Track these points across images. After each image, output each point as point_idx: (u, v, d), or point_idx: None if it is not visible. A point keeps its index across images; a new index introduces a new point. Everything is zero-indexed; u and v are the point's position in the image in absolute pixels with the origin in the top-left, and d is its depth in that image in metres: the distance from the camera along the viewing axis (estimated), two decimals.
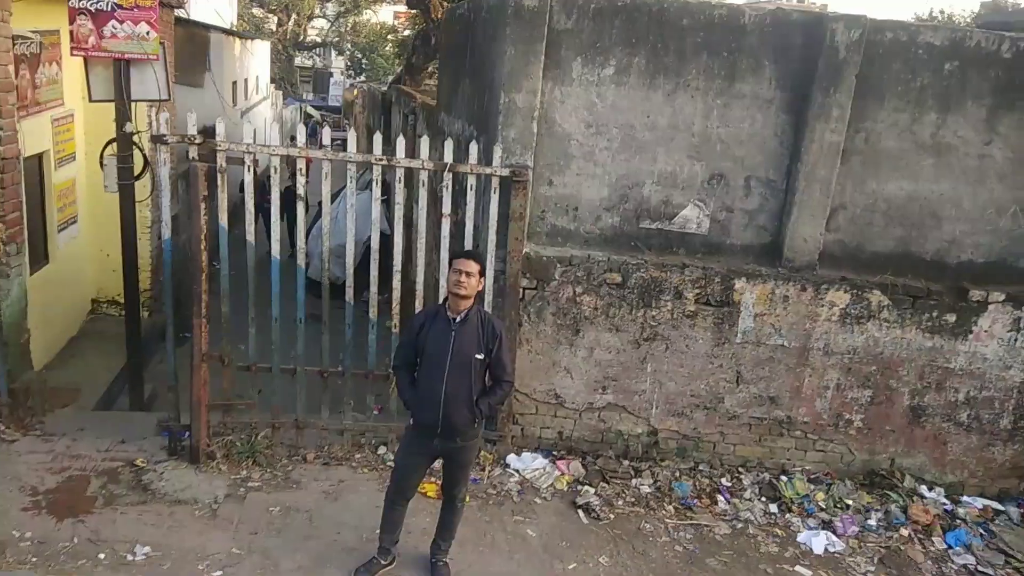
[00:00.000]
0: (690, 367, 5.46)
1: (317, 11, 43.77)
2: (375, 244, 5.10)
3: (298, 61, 45.28)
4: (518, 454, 5.48)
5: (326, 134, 5.10)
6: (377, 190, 5.10)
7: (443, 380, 3.99)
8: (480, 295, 4.37)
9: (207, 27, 15.39)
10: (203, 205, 4.83)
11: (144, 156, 7.66)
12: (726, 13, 5.03)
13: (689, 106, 5.18)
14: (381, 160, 5.01)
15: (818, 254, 5.32)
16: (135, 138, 7.06)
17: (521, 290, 5.23)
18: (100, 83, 6.89)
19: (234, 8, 32.71)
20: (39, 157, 7.85)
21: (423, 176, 5.07)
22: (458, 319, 4.04)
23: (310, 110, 39.27)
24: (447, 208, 5.12)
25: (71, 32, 6.48)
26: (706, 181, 5.29)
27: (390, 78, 27.06)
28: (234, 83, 17.37)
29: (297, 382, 5.33)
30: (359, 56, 45.95)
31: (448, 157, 5.05)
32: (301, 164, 4.99)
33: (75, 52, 6.60)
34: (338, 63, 49.55)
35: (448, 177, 5.06)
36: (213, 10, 20.78)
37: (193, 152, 4.86)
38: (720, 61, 5.09)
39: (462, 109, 6.57)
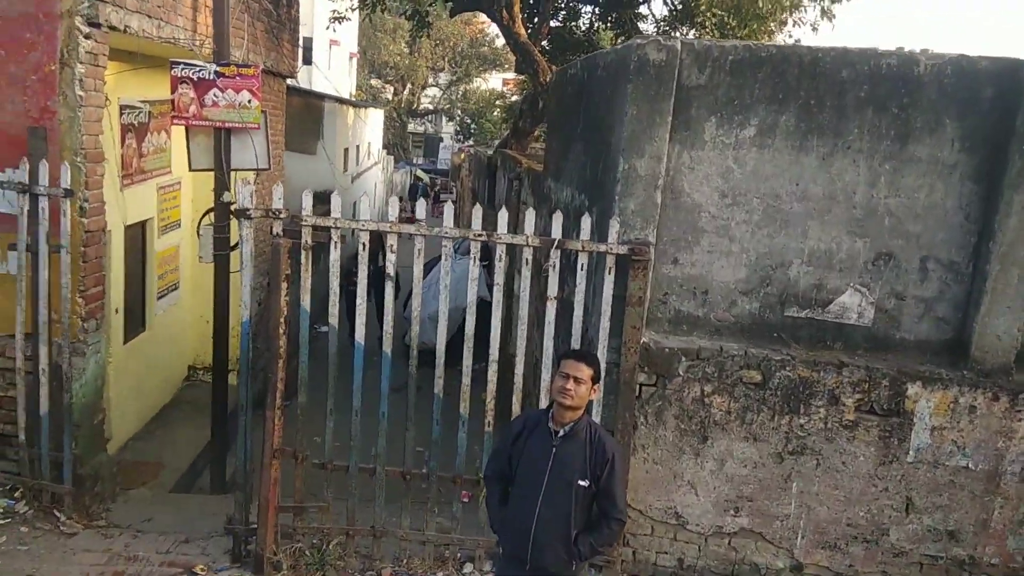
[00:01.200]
0: (847, 489, 4.42)
1: (430, 80, 45.51)
2: (471, 304, 4.46)
3: (411, 127, 46.99)
4: None
5: (420, 207, 4.55)
6: (475, 269, 4.47)
7: (536, 506, 3.28)
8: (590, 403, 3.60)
9: (321, 96, 15.75)
10: (284, 285, 4.34)
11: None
12: (896, 62, 4.17)
13: (850, 172, 4.30)
14: (480, 236, 4.39)
15: (1014, 355, 4.24)
16: (233, 208, 6.85)
17: (638, 387, 4.41)
18: (201, 152, 6.73)
19: (353, 79, 34.27)
20: (143, 224, 7.82)
21: (527, 253, 4.40)
22: (561, 432, 3.31)
23: (420, 173, 40.35)
24: (553, 289, 4.42)
25: (173, 101, 6.35)
26: (870, 262, 4.36)
27: (496, 142, 27.22)
28: (346, 150, 17.68)
29: (376, 483, 4.68)
30: (468, 121, 47.30)
31: (556, 232, 4.37)
32: (392, 240, 4.43)
33: (175, 121, 6.46)
34: (448, 128, 51.19)
35: (556, 254, 4.37)
36: (329, 82, 21.52)
37: (277, 227, 4.41)
38: (889, 119, 4.21)
39: (572, 176, 5.92)
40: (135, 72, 6.86)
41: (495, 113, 46.06)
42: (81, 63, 4.83)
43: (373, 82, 44.84)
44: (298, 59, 11.10)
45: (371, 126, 22.88)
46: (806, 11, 12.01)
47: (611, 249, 4.28)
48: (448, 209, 4.54)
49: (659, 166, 4.32)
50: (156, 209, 7.93)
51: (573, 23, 16.65)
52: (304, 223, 4.39)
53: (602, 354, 4.38)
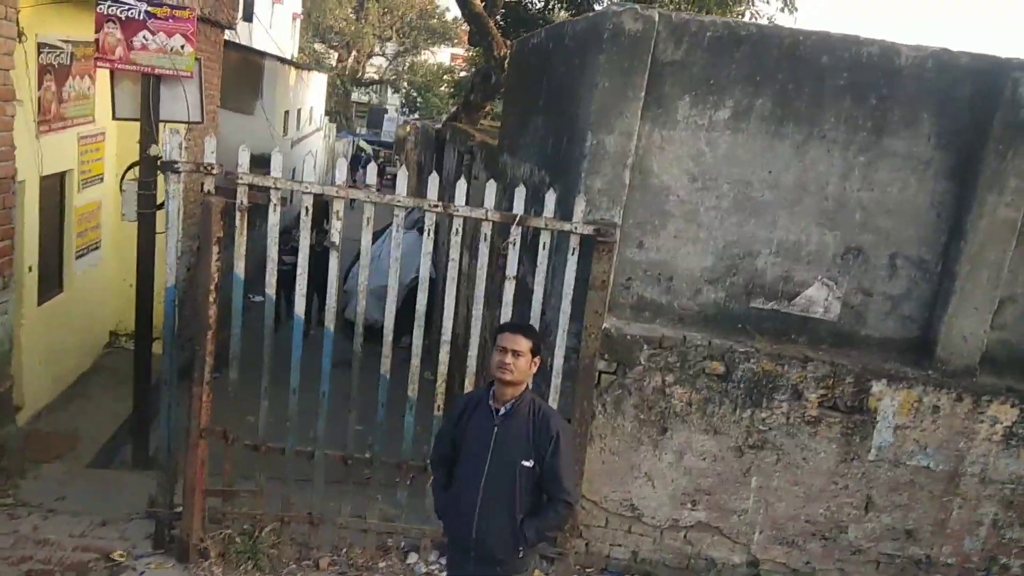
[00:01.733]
0: (807, 486, 4.33)
1: (377, 49, 44.39)
2: (423, 280, 4.15)
3: (355, 96, 45.82)
4: None
5: (371, 171, 4.20)
6: (429, 243, 4.15)
7: (479, 489, 3.09)
8: (547, 380, 3.37)
9: (262, 54, 14.97)
10: (215, 249, 3.93)
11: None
12: (877, 51, 4.02)
13: (823, 162, 4.15)
14: (436, 207, 4.07)
15: (979, 356, 4.19)
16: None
17: (597, 374, 4.20)
18: (126, 99, 6.15)
19: (295, 41, 33.00)
20: (61, 177, 7.17)
21: (486, 229, 4.10)
22: (503, 411, 3.11)
23: (363, 144, 39.40)
24: (512, 268, 4.14)
25: (97, 41, 5.76)
26: (839, 255, 4.23)
27: (444, 116, 26.67)
28: (287, 112, 16.93)
29: (315, 467, 4.35)
30: (414, 94, 46.48)
31: (518, 207, 4.09)
32: (338, 206, 4.07)
33: (99, 63, 5.88)
34: (393, 100, 50.22)
35: (516, 231, 4.09)
36: (272, 41, 20.56)
37: (208, 184, 3.99)
38: (866, 109, 4.06)
39: (531, 151, 5.64)
40: (57, 7, 6.21)
41: (443, 88, 45.34)
42: None
43: (317, 46, 43.44)
44: (238, 10, 10.44)
45: (314, 91, 22.04)
46: (768, 1, 11.91)
47: (576, 229, 4.03)
48: (401, 176, 4.20)
49: (629, 143, 4.09)
50: (76, 161, 7.28)
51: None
52: (240, 181, 3.99)
53: (561, 339, 4.15)
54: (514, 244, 4.10)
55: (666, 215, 4.23)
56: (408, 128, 31.36)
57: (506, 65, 12.92)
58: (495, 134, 10.89)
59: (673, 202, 4.21)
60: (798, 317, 4.31)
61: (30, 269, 6.53)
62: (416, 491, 4.42)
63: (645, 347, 4.20)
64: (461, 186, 4.14)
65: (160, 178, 6.28)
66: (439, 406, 4.28)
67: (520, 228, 4.09)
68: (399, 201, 4.07)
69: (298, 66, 19.41)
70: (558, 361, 4.18)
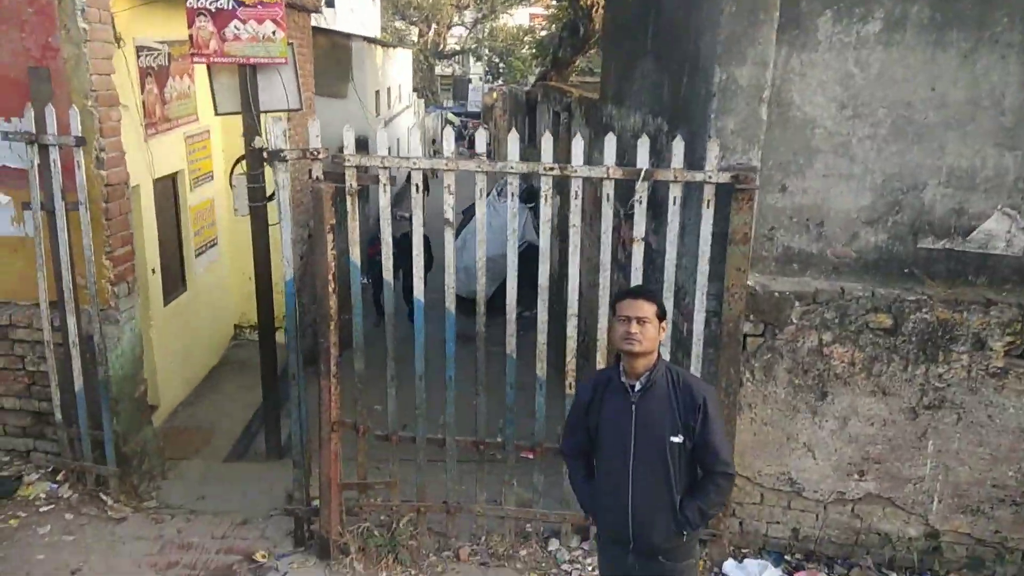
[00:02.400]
0: (993, 446, 3.79)
1: (455, 19, 44.17)
2: (544, 251, 3.84)
3: (438, 70, 45.91)
4: (738, 558, 4.03)
5: (480, 138, 3.91)
6: (547, 209, 3.83)
7: (628, 476, 2.79)
8: (686, 349, 3.00)
9: (348, 36, 14.96)
10: (331, 237, 3.77)
11: None
12: None
13: (997, 71, 3.54)
14: (552, 170, 3.74)
15: None
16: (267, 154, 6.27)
17: (743, 338, 3.79)
18: (226, 93, 6.11)
19: (377, 21, 33.20)
20: (173, 178, 7.31)
21: (608, 188, 3.74)
22: (638, 386, 2.78)
23: (450, 116, 39.47)
24: (640, 229, 3.77)
25: (191, 37, 5.72)
26: (1022, 179, 3.62)
27: (530, 78, 26.12)
28: (377, 93, 16.95)
29: (447, 455, 4.18)
30: (496, 60, 46.11)
31: (642, 161, 3.70)
32: (450, 180, 3.81)
33: (195, 59, 5.84)
34: (476, 69, 50.03)
35: (643, 188, 3.70)
36: (358, 22, 20.63)
37: (316, 170, 3.82)
38: None
39: (642, 99, 5.20)
40: (149, 9, 6.23)
41: (524, 50, 44.64)
42: None
43: (397, 24, 43.64)
44: None
45: (401, 68, 22.03)
46: None
47: (709, 178, 3.60)
48: (513, 141, 3.88)
49: (764, 74, 3.60)
50: (186, 160, 7.40)
51: None
52: (348, 163, 3.79)
53: (700, 302, 3.76)
54: (640, 202, 3.72)
55: (812, 151, 3.73)
56: (495, 95, 31.04)
57: (595, 14, 12.34)
58: (592, 88, 10.40)
59: (820, 135, 3.71)
60: (976, 255, 3.74)
61: (153, 271, 6.69)
62: (552, 474, 4.18)
63: (796, 304, 3.75)
64: (578, 142, 3.78)
65: (268, 171, 6.32)
66: (570, 384, 3.99)
67: (647, 183, 3.70)
68: (512, 168, 3.77)
69: (384, 45, 19.38)
70: (698, 326, 3.79)
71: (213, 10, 5.64)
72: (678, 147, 3.66)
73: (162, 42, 6.68)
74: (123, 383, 4.67)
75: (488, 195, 3.85)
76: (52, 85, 4.23)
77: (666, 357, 3.70)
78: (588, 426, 2.91)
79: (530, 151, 13.60)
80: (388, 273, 3.98)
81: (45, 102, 4.17)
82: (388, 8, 39.96)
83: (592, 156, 5.91)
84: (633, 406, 2.78)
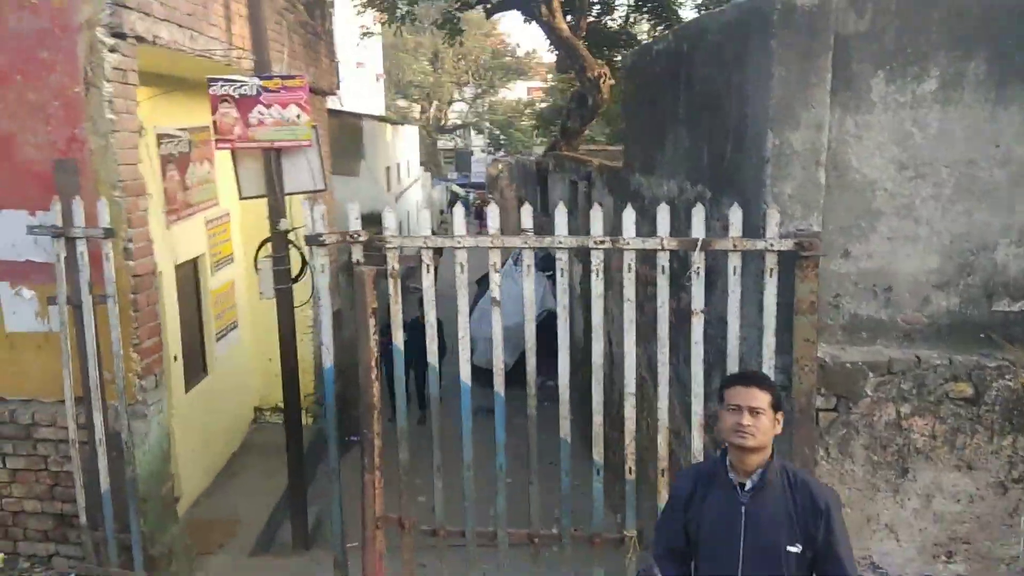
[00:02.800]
0: None
1: (456, 95, 45.39)
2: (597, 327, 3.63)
3: (440, 143, 46.91)
4: None
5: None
6: (598, 284, 3.65)
7: None
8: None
9: (359, 116, 15.18)
10: (372, 322, 3.59)
11: (302, 256, 6.77)
12: None
13: None
14: (603, 243, 3.59)
15: None
16: (291, 236, 6.18)
17: (815, 413, 3.56)
18: (250, 178, 6.05)
19: (382, 100, 33.99)
20: (194, 262, 7.20)
21: (663, 260, 3.58)
22: (749, 484, 2.50)
23: (455, 188, 39.96)
24: (700, 301, 3.59)
25: (214, 123, 5.68)
26: None
27: (536, 149, 26.47)
28: (388, 168, 17.10)
29: (498, 549, 3.89)
30: (497, 132, 47.21)
31: (697, 230, 3.54)
32: (495, 257, 3.65)
33: (220, 146, 5.79)
34: (477, 141, 51.19)
35: (700, 257, 3.54)
36: (363, 102, 21.04)
37: (357, 253, 3.67)
38: None
39: (675, 166, 5.10)
40: (169, 97, 6.23)
41: (523, 121, 45.72)
42: (108, 81, 4.17)
43: (399, 102, 44.79)
44: (337, 75, 10.49)
45: (408, 144, 22.35)
46: None
47: (771, 246, 3.44)
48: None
49: (820, 137, 3.48)
50: (207, 244, 7.31)
51: (608, 17, 15.93)
52: (389, 245, 3.64)
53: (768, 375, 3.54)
54: (698, 273, 3.55)
55: (874, 214, 3.57)
56: (499, 166, 31.39)
57: (603, 85, 12.47)
58: (607, 156, 10.40)
59: (881, 197, 3.56)
60: None
61: (175, 358, 6.50)
62: (613, 568, 3.88)
63: (870, 375, 3.53)
64: (629, 215, 3.63)
65: (293, 251, 6.22)
66: (630, 468, 3.74)
67: (703, 253, 3.54)
68: (560, 242, 3.61)
69: (393, 122, 19.70)
70: None
71: (237, 96, 5.62)
72: (735, 215, 3.51)
73: (182, 129, 6.67)
74: (150, 480, 4.43)
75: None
76: (79, 177, 4.14)
77: None
78: (686, 525, 2.62)
79: (544, 221, 13.57)
80: (433, 356, 3.78)
81: (72, 194, 4.07)
82: (391, 88, 41.06)
83: (615, 225, 5.80)
84: (743, 508, 2.50)
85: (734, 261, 3.52)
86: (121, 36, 4.14)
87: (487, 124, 47.64)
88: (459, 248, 3.66)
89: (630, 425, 3.74)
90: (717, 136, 4.23)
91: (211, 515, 6.68)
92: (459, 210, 3.81)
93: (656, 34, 15.39)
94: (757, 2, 3.68)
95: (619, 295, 3.71)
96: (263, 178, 5.93)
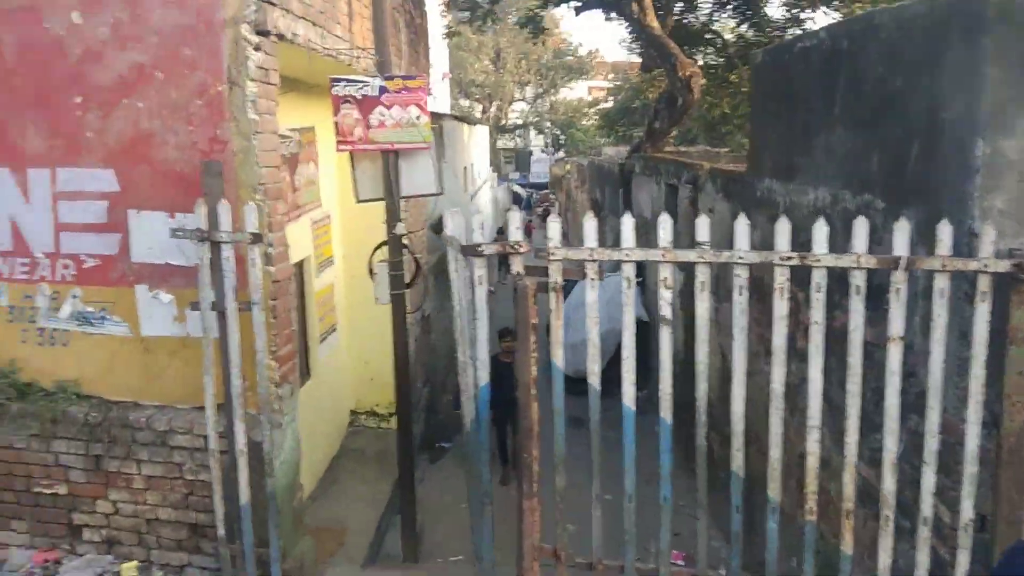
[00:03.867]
0: None
1: (517, 95, 45.36)
2: (778, 349, 3.35)
3: (500, 143, 46.98)
4: None
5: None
6: (781, 305, 3.37)
7: None
8: (945, 469, 2.42)
9: (440, 115, 15.08)
10: (533, 338, 3.38)
11: (416, 260, 6.64)
12: None
13: None
14: (791, 259, 3.30)
15: None
16: (405, 240, 6.04)
17: None
18: (367, 181, 5.91)
19: (447, 99, 34.10)
20: (300, 265, 7.15)
21: (858, 280, 3.27)
22: None
23: (516, 188, 39.86)
24: (899, 327, 3.26)
25: (336, 124, 5.56)
26: None
27: (605, 149, 26.08)
28: (464, 168, 17.00)
29: None
30: (557, 132, 47.03)
31: (899, 247, 3.22)
32: (666, 272, 3.39)
33: (341, 147, 5.67)
34: (536, 141, 51.07)
35: (902, 278, 3.22)
36: (434, 99, 21.02)
37: (517, 264, 3.46)
38: None
39: (828, 171, 4.76)
40: (281, 98, 6.16)
41: (585, 121, 45.42)
42: (252, 80, 4.06)
43: (462, 102, 44.94)
44: (430, 75, 10.38)
45: (480, 144, 22.26)
46: None
47: (985, 267, 3.10)
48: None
49: None
50: (312, 246, 7.25)
51: (691, 15, 15.49)
52: (553, 256, 3.43)
53: (975, 413, 3.20)
54: (898, 292, 3.23)
55: None
56: (567, 166, 31.10)
57: (693, 84, 12.08)
58: (703, 158, 10.02)
59: None
60: None
61: None
62: None
63: None
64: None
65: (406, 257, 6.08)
66: (811, 509, 3.44)
67: (906, 273, 3.21)
68: (741, 257, 3.34)
69: (469, 122, 19.61)
70: (971, 443, 3.22)
71: (359, 97, 5.49)
72: (945, 231, 3.18)
73: (293, 129, 6.60)
74: (286, 492, 4.33)
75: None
76: (224, 179, 4.04)
77: (928, 478, 3.17)
78: None
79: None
80: (594, 377, 3.54)
81: (218, 197, 3.96)
82: (454, 87, 41.22)
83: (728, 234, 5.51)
84: None
85: (941, 283, 3.19)
86: (265, 33, 4.03)
87: (547, 124, 47.51)
88: (627, 261, 3.42)
89: (813, 461, 3.44)
90: (894, 141, 3.89)
91: (320, 523, 6.60)
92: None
93: (740, 32, 14.90)
94: None
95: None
96: (380, 181, 5.80)
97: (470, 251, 3.51)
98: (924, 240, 3.39)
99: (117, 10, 3.93)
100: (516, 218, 3.47)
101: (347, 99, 5.53)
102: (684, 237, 7.65)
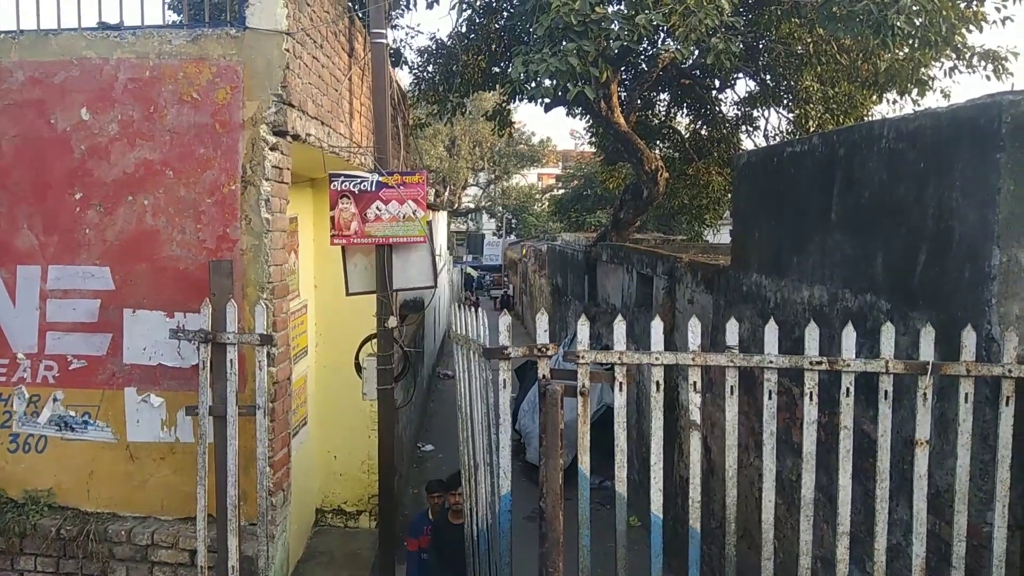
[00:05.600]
0: None
1: (470, 180, 46.33)
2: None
3: (452, 226, 47.56)
4: None
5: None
6: (811, 410, 3.35)
7: None
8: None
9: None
10: (561, 443, 3.27)
11: (405, 353, 6.50)
12: None
13: None
14: (820, 364, 3.30)
15: None
16: (395, 334, 5.92)
17: None
18: (359, 273, 5.82)
19: None
20: None
21: (886, 384, 3.28)
22: None
23: (469, 270, 40.15)
24: (925, 431, 3.27)
25: (332, 218, 5.51)
26: None
27: (562, 235, 26.52)
28: (437, 255, 17.02)
29: None
30: (509, 217, 47.94)
31: (926, 352, 3.26)
32: (695, 377, 3.36)
33: (336, 240, 5.61)
34: (488, 224, 51.90)
35: (929, 382, 3.25)
36: None
37: (544, 368, 3.38)
38: None
39: (823, 271, 4.86)
40: None
41: (536, 207, 46.50)
42: (267, 180, 4.00)
43: None
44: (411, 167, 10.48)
45: (442, 228, 22.45)
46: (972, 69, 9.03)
47: (1009, 372, 3.15)
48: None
49: None
50: (288, 336, 7.03)
51: (650, 111, 16.19)
52: (582, 360, 3.36)
53: (1001, 516, 3.19)
54: (925, 397, 3.25)
55: None
56: (523, 250, 31.46)
57: (659, 178, 12.48)
58: (676, 248, 10.22)
59: None
60: None
61: None
62: None
63: None
64: (849, 334, 3.35)
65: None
66: None
67: (932, 378, 3.25)
68: (771, 362, 3.33)
69: (434, 208, 19.78)
70: (998, 546, 3.20)
71: (356, 192, 5.47)
72: (969, 338, 3.24)
73: None
74: None
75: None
76: (232, 279, 3.90)
77: None
78: None
79: (595, 312, 13.33)
80: (621, 484, 3.43)
81: (225, 297, 3.82)
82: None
83: (720, 329, 5.54)
84: None
85: (966, 387, 3.23)
86: (282, 134, 3.98)
87: (500, 208, 48.45)
88: (656, 365, 3.37)
89: (843, 568, 3.35)
90: (899, 245, 4.00)
91: None
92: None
93: (695, 127, 15.59)
94: (968, 113, 3.53)
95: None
96: (372, 274, 5.72)
97: (495, 354, 3.42)
98: (937, 342, 3.44)
99: (130, 108, 3.85)
100: (544, 321, 3.42)
101: (345, 193, 5.51)
102: (679, 336, 7.66)
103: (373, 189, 5.52)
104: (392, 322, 5.70)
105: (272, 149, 3.95)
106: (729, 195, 13.57)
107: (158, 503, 4.13)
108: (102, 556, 4.06)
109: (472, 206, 49.45)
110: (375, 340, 5.83)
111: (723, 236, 16.77)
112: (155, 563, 4.04)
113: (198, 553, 3.83)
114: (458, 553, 4.78)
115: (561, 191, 37.39)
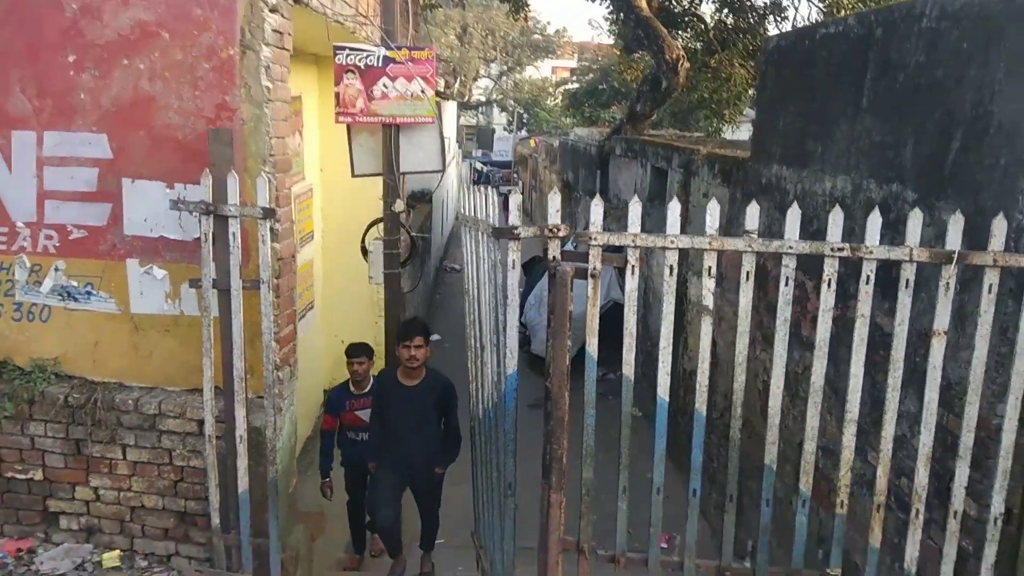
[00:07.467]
0: None
1: (481, 72, 44.87)
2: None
3: (462, 120, 46.50)
4: None
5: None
6: (829, 299, 3.26)
7: None
8: (977, 464, 2.37)
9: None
10: (568, 326, 3.21)
11: (412, 239, 6.42)
12: None
13: None
14: (841, 250, 3.18)
15: None
16: (401, 218, 5.81)
17: None
18: (365, 155, 5.64)
19: None
20: None
21: (908, 273, 3.18)
22: None
23: (478, 165, 39.60)
24: (944, 320, 3.19)
25: (337, 95, 5.28)
26: None
27: (576, 130, 25.89)
28: (446, 144, 16.67)
29: None
30: (521, 111, 46.79)
31: (953, 241, 3.13)
32: (710, 261, 3.26)
33: (341, 118, 5.40)
34: (500, 119, 50.74)
35: (953, 272, 3.14)
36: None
37: (554, 249, 3.28)
38: None
39: (849, 160, 4.67)
40: None
41: (549, 101, 45.17)
42: (267, 45, 3.78)
43: None
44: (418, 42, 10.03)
45: (450, 120, 21.92)
46: None
47: None
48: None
49: None
50: (295, 220, 6.94)
51: None
52: (594, 241, 3.26)
53: (1014, 408, 3.15)
54: (947, 287, 3.15)
55: None
56: (533, 144, 30.82)
57: (680, 68, 11.97)
58: (693, 143, 9.91)
59: None
60: None
61: None
62: None
63: None
64: (875, 220, 3.22)
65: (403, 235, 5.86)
66: (842, 502, 3.37)
67: (956, 267, 3.13)
68: (791, 248, 3.22)
69: (443, 97, 19.21)
70: (1007, 438, 3.18)
71: (362, 67, 5.23)
72: (999, 227, 3.10)
73: None
74: (284, 478, 4.11)
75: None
76: (232, 149, 3.75)
77: (962, 472, 3.13)
78: None
79: (605, 206, 13.09)
80: (629, 367, 3.40)
81: (226, 168, 3.67)
82: None
83: (735, 223, 5.41)
84: None
85: (991, 278, 3.12)
86: None
87: (511, 102, 47.18)
88: (671, 248, 3.26)
89: (848, 455, 3.36)
90: (933, 132, 3.80)
91: (300, 507, 6.40)
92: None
93: (721, 18, 14.82)
94: None
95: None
96: (379, 156, 5.54)
97: (504, 233, 3.31)
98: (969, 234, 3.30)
99: None
100: (556, 200, 3.29)
101: (350, 69, 5.26)
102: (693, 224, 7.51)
103: (380, 64, 5.27)
104: (399, 205, 5.57)
105: (272, 11, 3.72)
106: (751, 90, 13.06)
107: (164, 374, 4.14)
108: (110, 424, 4.12)
109: (483, 99, 48.16)
110: (382, 224, 5.73)
111: (741, 133, 16.29)
112: (163, 432, 4.09)
113: (205, 422, 3.88)
114: (409, 426, 4.56)
115: (575, 85, 36.21)
